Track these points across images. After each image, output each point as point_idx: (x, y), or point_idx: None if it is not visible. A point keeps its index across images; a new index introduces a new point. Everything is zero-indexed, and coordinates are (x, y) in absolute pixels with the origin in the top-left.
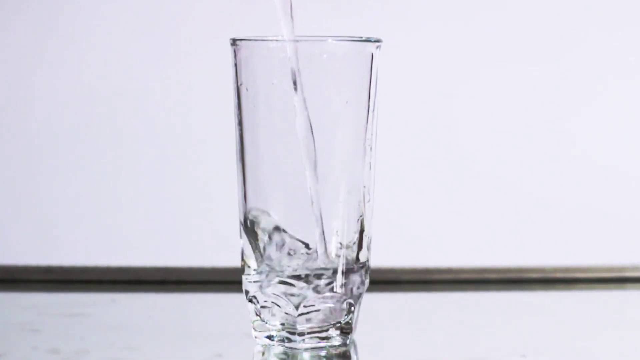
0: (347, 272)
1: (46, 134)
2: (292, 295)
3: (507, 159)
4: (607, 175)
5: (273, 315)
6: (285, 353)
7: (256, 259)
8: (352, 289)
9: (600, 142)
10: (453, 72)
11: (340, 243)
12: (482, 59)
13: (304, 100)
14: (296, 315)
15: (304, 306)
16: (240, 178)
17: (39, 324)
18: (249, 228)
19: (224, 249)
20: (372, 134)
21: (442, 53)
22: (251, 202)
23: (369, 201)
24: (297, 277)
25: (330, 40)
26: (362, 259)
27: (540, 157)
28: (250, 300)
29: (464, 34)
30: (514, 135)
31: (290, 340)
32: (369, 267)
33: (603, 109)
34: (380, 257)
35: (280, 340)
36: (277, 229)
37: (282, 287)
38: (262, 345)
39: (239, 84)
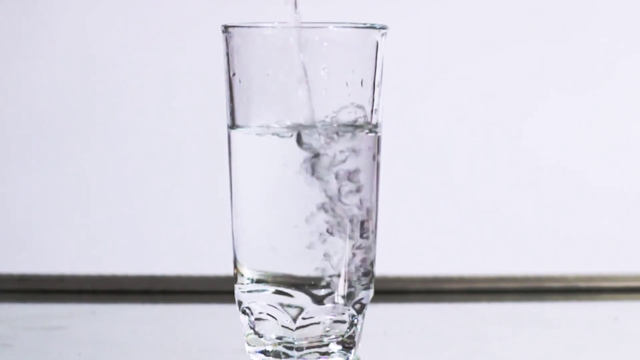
0: (350, 281)
1: (20, 133)
2: (289, 306)
3: (522, 160)
4: (634, 179)
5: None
6: None
7: None
8: (355, 300)
9: (620, 150)
10: (466, 63)
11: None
12: (495, 53)
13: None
14: (294, 328)
15: (303, 318)
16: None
17: (11, 338)
18: None
19: (214, 256)
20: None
21: (454, 42)
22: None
23: (374, 203)
24: (296, 287)
25: (331, 27)
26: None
27: (558, 160)
28: (244, 312)
29: (476, 24)
30: (530, 136)
31: (287, 356)
32: (373, 274)
33: (615, 113)
34: (386, 265)
35: (276, 355)
36: None
37: (279, 298)
38: None
39: (231, 74)
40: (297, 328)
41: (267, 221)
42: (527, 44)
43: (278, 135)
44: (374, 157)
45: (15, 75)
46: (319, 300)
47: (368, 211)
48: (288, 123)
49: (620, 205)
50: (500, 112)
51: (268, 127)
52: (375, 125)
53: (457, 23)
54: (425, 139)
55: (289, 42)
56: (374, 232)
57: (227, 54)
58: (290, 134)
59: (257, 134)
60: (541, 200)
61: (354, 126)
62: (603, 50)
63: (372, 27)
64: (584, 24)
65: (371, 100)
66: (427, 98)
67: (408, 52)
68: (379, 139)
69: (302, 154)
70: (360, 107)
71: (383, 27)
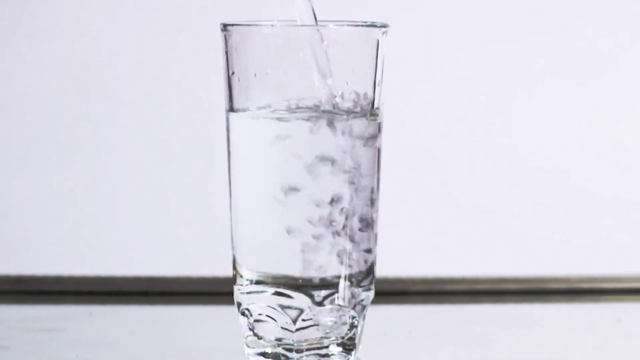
0: (351, 282)
1: (16, 133)
2: (289, 307)
3: (524, 160)
4: (637, 180)
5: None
6: None
7: None
8: (355, 301)
9: (623, 152)
10: (468, 62)
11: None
12: (497, 51)
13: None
14: (293, 329)
15: (302, 320)
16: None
17: (8, 340)
18: None
19: (213, 257)
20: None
21: (455, 40)
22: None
23: (375, 201)
24: (295, 288)
25: (331, 25)
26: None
27: (560, 161)
28: (243, 313)
29: (477, 22)
30: (532, 137)
31: (286, 358)
32: (374, 275)
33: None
34: (387, 266)
35: (275, 357)
36: None
37: (278, 299)
38: None
39: (230, 73)
40: (297, 330)
41: (266, 222)
42: (529, 42)
43: (279, 119)
44: (374, 156)
45: (11, 72)
46: (319, 302)
47: (369, 210)
48: (289, 106)
49: (623, 206)
50: (504, 112)
51: (268, 108)
52: (376, 123)
53: (458, 21)
54: (426, 138)
55: (311, 38)
56: (375, 232)
57: (226, 53)
58: (290, 117)
59: (254, 118)
60: (544, 201)
61: (354, 112)
62: (604, 51)
63: (373, 25)
64: (585, 22)
65: (372, 99)
66: (430, 97)
67: (409, 51)
68: (380, 139)
69: (303, 145)
70: (361, 104)
71: (384, 26)
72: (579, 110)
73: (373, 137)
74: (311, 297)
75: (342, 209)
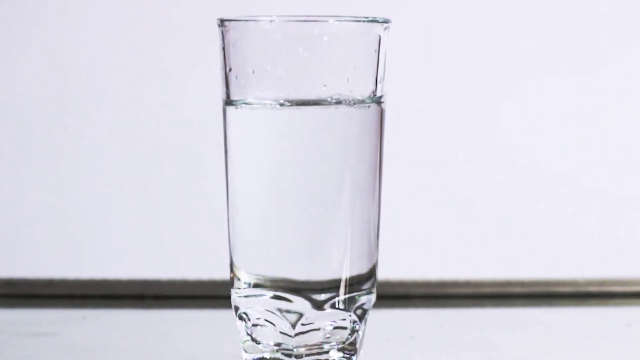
0: (352, 286)
1: (7, 129)
2: (288, 311)
3: (530, 162)
4: None
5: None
6: None
7: None
8: (356, 305)
9: (633, 154)
10: (473, 57)
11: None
12: (501, 48)
13: None
14: (293, 334)
15: (302, 324)
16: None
17: None
18: None
19: (210, 259)
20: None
21: (458, 37)
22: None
23: (376, 201)
24: (295, 291)
25: (331, 20)
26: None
27: (567, 163)
28: (241, 318)
29: (480, 19)
30: (539, 139)
31: None
32: (376, 279)
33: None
34: (388, 269)
35: None
36: None
37: (277, 303)
38: None
39: (227, 70)
40: (296, 334)
41: (265, 222)
42: (533, 38)
43: (277, 116)
44: (376, 154)
45: (3, 72)
46: (319, 306)
47: (371, 210)
48: (288, 102)
49: (631, 208)
50: (508, 112)
51: (266, 105)
52: (378, 120)
53: (461, 16)
54: (429, 138)
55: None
56: (377, 234)
57: (223, 49)
58: (289, 114)
59: (252, 115)
60: (549, 203)
61: (355, 108)
62: (610, 47)
63: (375, 20)
64: (589, 17)
65: (374, 96)
66: (432, 95)
67: (412, 47)
68: (382, 136)
69: (302, 143)
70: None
71: (386, 21)
72: (586, 109)
73: (375, 135)
74: (311, 300)
75: (342, 209)
